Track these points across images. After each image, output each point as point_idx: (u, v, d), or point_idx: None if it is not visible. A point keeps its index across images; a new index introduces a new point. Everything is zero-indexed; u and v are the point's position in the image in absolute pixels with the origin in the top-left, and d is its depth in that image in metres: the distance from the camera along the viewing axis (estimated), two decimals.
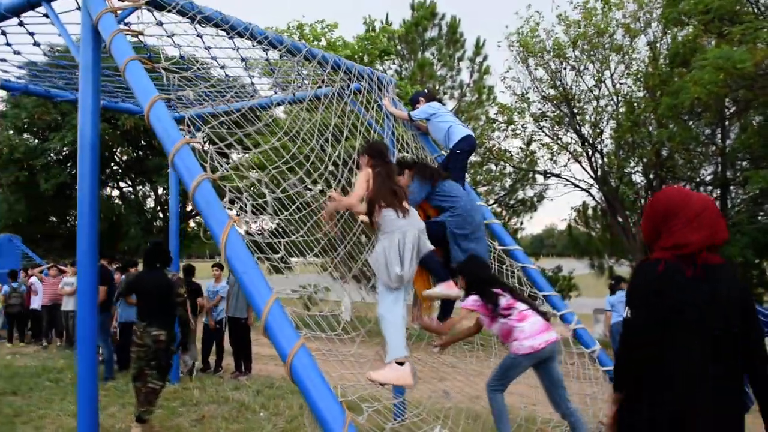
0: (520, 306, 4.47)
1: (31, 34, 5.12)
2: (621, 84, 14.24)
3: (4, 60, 5.94)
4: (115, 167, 24.58)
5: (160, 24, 4.80)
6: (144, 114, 3.57)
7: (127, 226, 22.74)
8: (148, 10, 4.45)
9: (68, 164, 21.34)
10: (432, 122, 5.78)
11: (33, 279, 13.63)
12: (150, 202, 24.60)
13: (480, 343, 6.06)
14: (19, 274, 14.30)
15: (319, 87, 6.12)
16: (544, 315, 4.57)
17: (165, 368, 6.38)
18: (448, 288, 4.36)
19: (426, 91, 6.21)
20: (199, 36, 5.09)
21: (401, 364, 3.78)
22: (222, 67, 5.98)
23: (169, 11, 4.45)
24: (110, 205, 24.13)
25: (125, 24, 4.45)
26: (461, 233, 4.75)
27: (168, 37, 4.99)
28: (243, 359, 9.86)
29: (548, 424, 4.86)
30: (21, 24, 4.91)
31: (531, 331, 4.36)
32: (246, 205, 3.87)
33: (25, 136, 21.89)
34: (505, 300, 4.45)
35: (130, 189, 25.17)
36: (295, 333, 3.07)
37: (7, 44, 5.39)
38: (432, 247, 4.17)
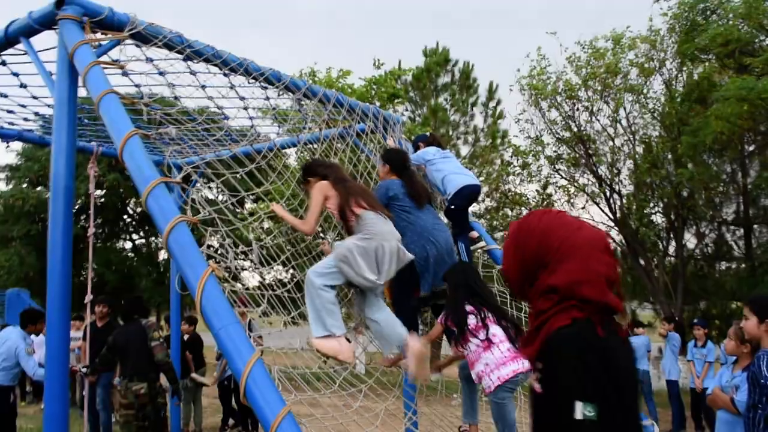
0: (493, 330, 3.92)
1: (15, 74, 4.84)
2: (636, 124, 13.90)
3: (11, 111, 5.73)
4: (127, 219, 24.51)
5: (150, 60, 4.49)
6: (117, 151, 3.22)
7: (139, 278, 22.47)
8: (134, 44, 4.15)
9: (81, 217, 21.27)
10: (428, 169, 5.39)
11: (40, 338, 13.24)
12: (162, 254, 24.36)
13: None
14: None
15: (320, 129, 5.78)
16: (516, 339, 3.94)
17: (157, 424, 5.92)
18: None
19: (427, 135, 5.85)
20: (192, 73, 4.79)
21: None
22: (219, 108, 5.67)
23: (156, 45, 4.14)
24: (122, 258, 23.94)
25: (112, 60, 4.15)
26: (422, 256, 4.40)
27: (159, 74, 4.67)
28: (250, 417, 9.31)
29: None
30: (3, 63, 4.63)
31: (496, 362, 3.84)
32: (227, 253, 3.47)
33: (38, 189, 21.91)
34: (474, 321, 3.95)
35: (143, 241, 25.01)
36: (280, 399, 2.62)
37: None
38: (411, 257, 3.94)
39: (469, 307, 4.01)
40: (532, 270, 1.74)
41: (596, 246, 1.69)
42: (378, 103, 15.86)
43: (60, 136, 3.79)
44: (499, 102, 19.24)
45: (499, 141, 18.71)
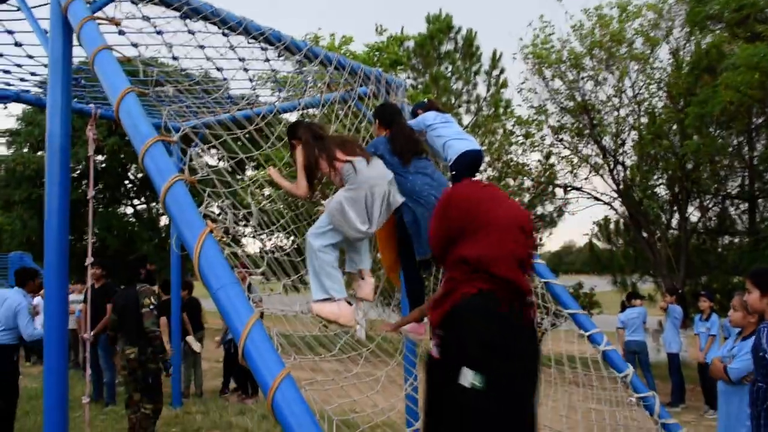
0: None
1: (10, 32, 4.75)
2: (641, 93, 13.69)
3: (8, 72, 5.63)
4: (129, 185, 24.49)
5: (147, 19, 4.39)
6: (114, 108, 3.14)
7: (141, 243, 22.49)
8: (130, 1, 4.05)
9: (82, 182, 21.23)
10: (428, 135, 5.17)
11: (37, 299, 13.29)
12: (164, 220, 24.36)
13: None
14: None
15: (321, 93, 5.68)
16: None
17: (151, 389, 5.94)
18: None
19: (425, 101, 5.63)
20: (190, 32, 4.68)
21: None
22: (219, 69, 5.57)
23: (152, 2, 4.04)
24: (124, 223, 23.96)
25: (107, 17, 4.05)
26: (413, 218, 4.14)
27: (156, 33, 4.57)
28: (249, 380, 9.36)
29: None
30: None
31: None
32: (227, 214, 3.42)
33: (39, 153, 21.84)
34: None
35: (144, 206, 25.00)
36: (279, 361, 2.59)
37: None
38: (402, 199, 3.89)
39: None
40: (452, 237, 1.76)
41: (514, 224, 1.71)
42: (380, 70, 15.71)
43: (55, 94, 3.72)
44: (502, 71, 19.03)
45: (501, 110, 18.56)
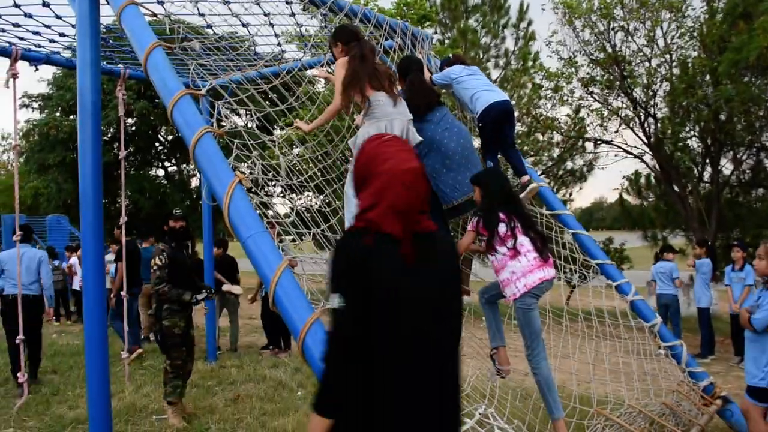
0: (520, 240, 3.95)
1: None
2: (674, 43, 13.27)
3: (17, 25, 5.67)
4: (159, 147, 24.79)
5: None
6: (142, 63, 3.19)
7: (173, 204, 22.87)
8: None
9: (114, 145, 21.54)
10: (455, 88, 5.12)
11: (73, 260, 13.69)
12: (195, 181, 24.68)
13: (557, 323, 5.52)
14: (62, 253, 14.42)
15: None
16: (545, 251, 4.02)
17: (162, 345, 6.09)
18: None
19: (450, 56, 5.56)
20: None
21: None
22: (245, 25, 5.55)
23: None
24: (156, 185, 24.34)
25: None
26: (434, 168, 4.32)
27: None
28: (282, 335, 9.56)
29: (605, 407, 4.38)
30: None
31: (523, 270, 3.89)
32: (255, 166, 3.46)
33: (71, 117, 22.15)
34: (504, 228, 3.95)
35: (175, 168, 25.33)
36: (308, 306, 2.66)
37: (16, 5, 5.07)
38: (420, 138, 4.00)
39: (501, 215, 3.98)
40: (358, 185, 2.01)
41: (400, 179, 1.88)
42: (407, 22, 15.49)
43: (84, 51, 3.77)
44: (530, 23, 18.58)
45: (530, 63, 18.21)
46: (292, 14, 5.40)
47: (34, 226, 19.46)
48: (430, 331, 1.85)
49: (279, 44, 6.14)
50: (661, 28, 13.31)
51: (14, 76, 5.91)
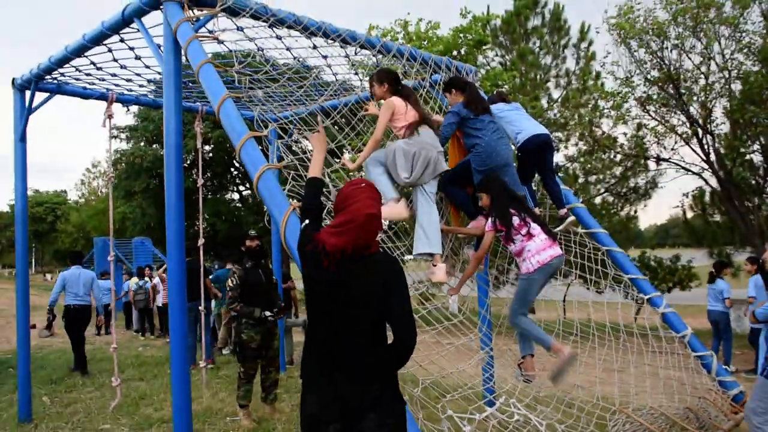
0: (531, 225, 4.60)
1: (131, 48, 5.63)
2: (733, 59, 13.24)
3: (115, 75, 6.56)
4: (234, 172, 26.12)
5: (240, 29, 5.11)
6: (215, 111, 3.88)
7: (247, 226, 24.05)
8: (225, 17, 4.77)
9: (192, 171, 22.95)
10: (500, 123, 5.69)
11: (156, 279, 14.79)
12: None
13: (585, 333, 5.89)
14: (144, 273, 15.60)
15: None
16: (551, 234, 4.71)
17: (239, 356, 6.78)
18: (476, 223, 4.96)
19: (494, 94, 6.12)
20: (278, 38, 5.36)
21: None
22: (306, 68, 6.23)
23: (244, 16, 4.74)
24: (231, 208, 25.64)
25: (209, 31, 4.81)
26: (481, 170, 4.89)
27: (248, 39, 5.28)
28: None
29: (627, 407, 4.70)
30: (122, 40, 5.42)
31: (537, 248, 4.52)
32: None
33: (154, 146, 23.75)
34: (517, 220, 4.59)
35: (249, 192, 26.58)
36: None
37: (114, 60, 5.95)
38: (446, 167, 4.65)
39: (512, 210, 4.62)
40: (335, 209, 2.83)
41: (359, 219, 2.66)
42: (465, 50, 15.98)
43: (169, 101, 4.51)
44: (591, 43, 18.73)
45: (591, 82, 18.32)
46: (347, 56, 6.05)
47: (121, 248, 20.95)
48: (331, 310, 2.71)
49: (336, 81, 6.81)
50: (719, 43, 13.32)
51: (110, 116, 6.79)
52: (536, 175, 5.95)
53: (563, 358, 4.46)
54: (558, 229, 5.51)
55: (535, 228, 4.61)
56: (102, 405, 7.45)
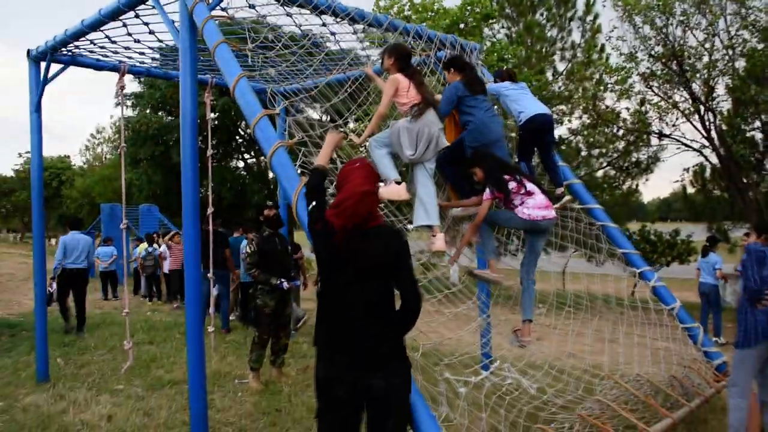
0: (528, 185, 4.82)
1: (146, 24, 5.80)
2: (738, 35, 13.28)
3: (128, 48, 6.73)
4: (240, 140, 26.23)
5: (252, 7, 5.27)
6: (230, 90, 4.09)
7: (252, 194, 24.27)
8: None
9: (198, 138, 23.03)
10: (504, 100, 5.88)
11: (163, 247, 15.09)
12: (272, 173, 25.99)
13: (578, 305, 6.15)
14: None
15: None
16: (548, 196, 4.96)
17: (254, 321, 7.06)
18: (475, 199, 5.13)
19: (503, 70, 6.25)
20: (288, 15, 5.52)
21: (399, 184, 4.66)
22: (315, 45, 6.38)
23: None
24: (236, 176, 25.80)
25: (221, 9, 4.98)
26: (473, 146, 5.05)
27: (260, 17, 5.44)
28: None
29: (615, 374, 4.99)
30: (136, 16, 5.59)
31: (534, 205, 4.74)
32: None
33: (160, 114, 23.84)
34: (514, 183, 4.80)
35: (254, 160, 26.71)
36: None
37: (129, 34, 6.12)
38: (446, 143, 4.81)
39: (506, 176, 4.82)
40: (336, 187, 3.16)
41: (355, 193, 2.96)
42: (472, 23, 16.02)
43: (185, 78, 4.72)
44: (596, 16, 18.73)
45: (596, 56, 18.34)
46: (354, 32, 6.20)
47: (128, 215, 21.17)
48: (339, 277, 2.98)
49: (345, 56, 6.97)
50: (725, 20, 13.35)
51: (122, 88, 6.97)
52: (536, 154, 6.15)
53: (491, 275, 4.99)
54: (554, 207, 5.74)
55: (533, 188, 4.83)
56: (114, 367, 7.78)
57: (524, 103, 5.68)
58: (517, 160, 5.75)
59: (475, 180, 5.08)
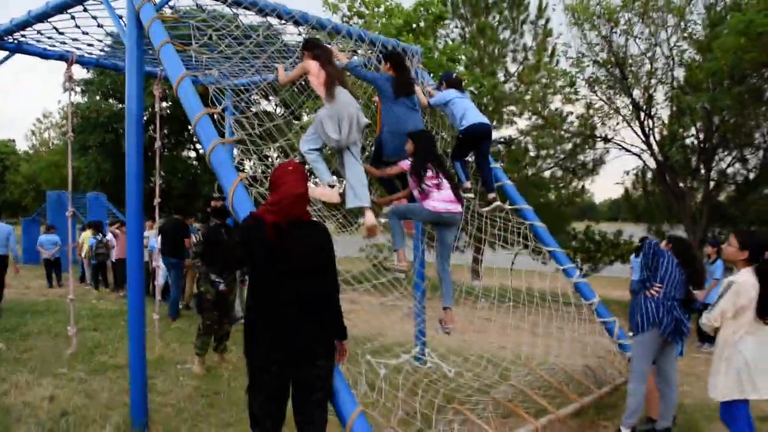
0: (442, 180, 5.13)
1: (94, 17, 5.95)
2: (678, 45, 14.00)
3: (76, 40, 6.84)
4: (191, 130, 26.10)
5: (200, 8, 5.49)
6: (173, 89, 4.32)
7: (203, 185, 24.21)
8: None
9: (149, 127, 22.90)
10: (448, 108, 6.25)
11: (109, 235, 15.02)
12: None
13: (520, 301, 6.54)
14: (104, 228, 15.80)
15: (348, 59, 6.69)
16: (458, 194, 5.24)
17: (198, 308, 7.29)
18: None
19: (452, 75, 6.62)
20: (236, 15, 5.74)
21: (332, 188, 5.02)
22: (259, 46, 6.59)
23: None
24: (188, 166, 25.69)
25: (170, 8, 5.18)
26: (391, 132, 5.50)
27: (206, 20, 5.66)
28: None
29: (532, 362, 5.39)
30: (85, 9, 5.73)
31: (440, 198, 5.07)
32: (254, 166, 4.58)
33: (111, 101, 23.54)
34: (431, 173, 5.12)
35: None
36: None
37: (77, 26, 6.25)
38: (367, 121, 5.05)
39: (428, 165, 5.15)
40: (270, 189, 3.40)
41: (289, 197, 3.25)
42: (424, 25, 16.34)
43: (131, 74, 4.92)
44: (548, 20, 19.30)
45: (547, 59, 18.90)
46: (300, 34, 6.46)
47: (75, 203, 20.84)
48: (274, 270, 3.21)
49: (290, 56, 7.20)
50: (666, 31, 14.03)
51: (70, 78, 7.07)
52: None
53: (395, 265, 5.37)
54: (484, 210, 6.22)
55: (445, 184, 5.14)
56: (57, 353, 7.87)
57: (466, 111, 6.10)
58: (450, 159, 6.15)
59: (407, 154, 5.36)
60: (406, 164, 5.27)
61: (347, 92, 4.99)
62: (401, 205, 5.42)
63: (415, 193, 5.25)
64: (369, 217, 5.16)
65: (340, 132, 4.82)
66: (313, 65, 5.03)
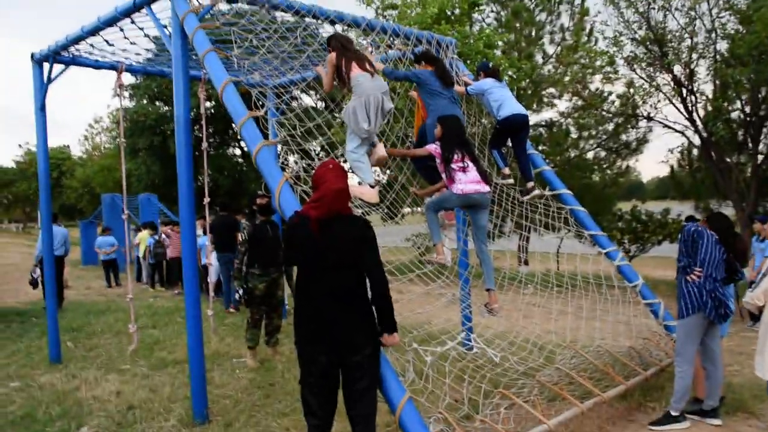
0: (468, 163, 5.22)
1: (141, 29, 6.22)
2: (720, 17, 13.61)
3: (125, 50, 7.16)
4: (236, 131, 26.56)
5: (239, 14, 5.70)
6: (219, 94, 4.54)
7: (248, 182, 24.70)
8: (226, 0, 5.37)
9: (195, 127, 23.45)
10: (485, 98, 6.33)
11: (163, 234, 15.54)
12: None
13: (564, 285, 6.61)
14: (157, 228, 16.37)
15: (386, 52, 6.85)
16: (484, 175, 5.31)
17: (246, 303, 7.50)
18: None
19: (489, 66, 6.65)
20: (273, 20, 5.95)
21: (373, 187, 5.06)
22: (297, 46, 6.78)
23: (241, 2, 5.34)
24: (234, 164, 26.21)
25: (211, 15, 5.41)
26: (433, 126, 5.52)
27: (247, 21, 5.87)
28: None
29: (576, 344, 5.44)
30: (132, 22, 6.01)
31: (467, 180, 5.15)
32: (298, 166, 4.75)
33: (157, 104, 24.19)
34: (457, 156, 5.21)
35: None
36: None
37: (125, 38, 6.55)
38: (392, 106, 5.02)
39: (456, 148, 5.26)
40: (313, 187, 3.62)
41: (330, 191, 3.43)
42: (458, 12, 16.30)
43: (178, 80, 5.17)
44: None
45: (584, 39, 18.61)
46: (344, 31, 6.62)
47: (128, 205, 21.56)
48: (318, 264, 3.40)
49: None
50: (708, 2, 13.66)
51: (121, 86, 7.39)
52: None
53: (434, 258, 5.43)
54: (524, 198, 6.30)
55: (471, 167, 5.23)
56: (120, 349, 8.30)
57: (504, 101, 6.20)
58: (488, 147, 6.26)
59: (435, 138, 5.48)
60: (432, 147, 5.38)
61: (370, 76, 4.92)
62: (434, 198, 5.53)
63: (444, 176, 5.34)
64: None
65: (369, 120, 4.80)
66: (331, 57, 5.07)
